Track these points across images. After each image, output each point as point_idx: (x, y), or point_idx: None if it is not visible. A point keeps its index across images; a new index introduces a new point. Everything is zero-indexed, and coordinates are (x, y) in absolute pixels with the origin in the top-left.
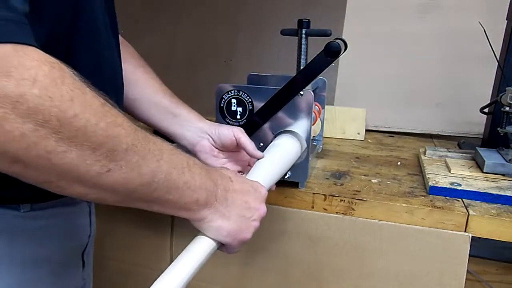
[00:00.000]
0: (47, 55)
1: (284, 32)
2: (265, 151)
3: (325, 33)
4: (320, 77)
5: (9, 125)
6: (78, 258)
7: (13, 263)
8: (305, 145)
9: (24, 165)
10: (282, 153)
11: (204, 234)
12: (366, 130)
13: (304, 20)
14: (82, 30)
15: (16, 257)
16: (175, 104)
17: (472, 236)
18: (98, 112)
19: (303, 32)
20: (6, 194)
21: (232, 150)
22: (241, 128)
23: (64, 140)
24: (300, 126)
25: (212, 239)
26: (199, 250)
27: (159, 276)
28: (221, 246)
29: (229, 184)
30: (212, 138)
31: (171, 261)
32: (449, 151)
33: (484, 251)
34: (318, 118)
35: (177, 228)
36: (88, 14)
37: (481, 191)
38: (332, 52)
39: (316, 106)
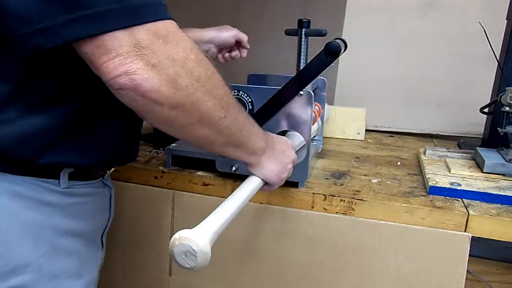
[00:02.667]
0: None
1: (288, 32)
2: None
3: (320, 33)
4: (320, 77)
5: (180, 79)
6: (99, 238)
7: (51, 232)
8: (304, 144)
9: (181, 109)
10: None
11: (253, 174)
12: (366, 130)
13: (304, 20)
14: None
15: (54, 227)
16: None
17: (472, 236)
18: (216, 73)
19: (303, 32)
20: (52, 161)
21: (230, 44)
22: (232, 28)
23: (206, 92)
24: (300, 126)
25: (259, 177)
26: (251, 185)
27: (159, 274)
28: (264, 185)
29: (271, 138)
30: (217, 44)
31: (171, 260)
32: (449, 151)
33: (484, 251)
34: (318, 118)
35: (177, 228)
36: None
37: (481, 191)
38: (332, 52)
39: (316, 106)
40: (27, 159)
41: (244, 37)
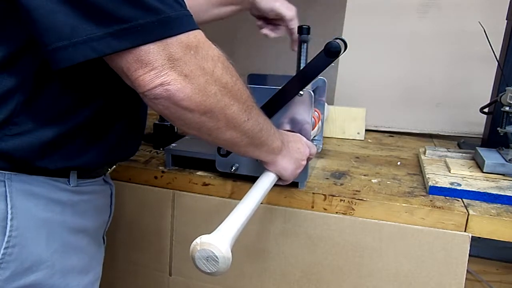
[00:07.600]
0: None
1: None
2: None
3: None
4: (320, 77)
5: (210, 87)
6: (101, 235)
7: (62, 230)
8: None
9: (210, 115)
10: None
11: (269, 171)
12: (366, 130)
13: (304, 26)
14: None
15: (64, 225)
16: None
17: (472, 236)
18: (239, 78)
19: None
20: (61, 164)
21: (271, 17)
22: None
23: (231, 97)
24: (300, 126)
25: (274, 173)
26: (267, 180)
27: (159, 274)
28: (278, 180)
29: (286, 137)
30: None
31: (171, 260)
32: (449, 151)
33: (484, 251)
34: (319, 122)
35: (177, 228)
36: None
37: (481, 191)
38: (332, 52)
39: (315, 112)
40: (42, 166)
41: (287, 15)
